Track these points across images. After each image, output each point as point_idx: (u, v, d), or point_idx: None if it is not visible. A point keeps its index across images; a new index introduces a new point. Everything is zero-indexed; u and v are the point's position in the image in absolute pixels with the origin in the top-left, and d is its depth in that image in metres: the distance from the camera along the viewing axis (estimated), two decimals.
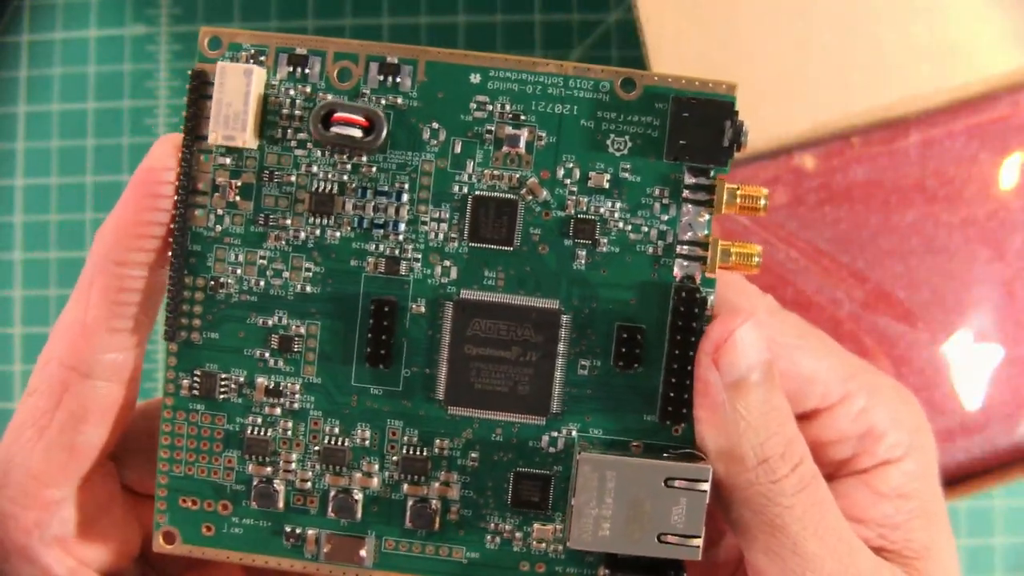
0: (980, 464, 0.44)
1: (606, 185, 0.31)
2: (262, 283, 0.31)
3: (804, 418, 0.32)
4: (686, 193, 0.31)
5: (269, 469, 0.31)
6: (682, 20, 0.43)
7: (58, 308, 0.50)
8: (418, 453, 0.31)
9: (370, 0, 0.51)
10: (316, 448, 0.31)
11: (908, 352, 0.44)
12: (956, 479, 0.44)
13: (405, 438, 0.31)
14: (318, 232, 0.31)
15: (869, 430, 0.33)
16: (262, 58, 0.31)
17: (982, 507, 0.49)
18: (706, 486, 0.29)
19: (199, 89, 0.30)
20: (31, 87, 0.51)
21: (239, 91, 0.30)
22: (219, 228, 0.31)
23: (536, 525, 0.31)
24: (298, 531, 0.31)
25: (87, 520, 0.31)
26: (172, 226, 0.30)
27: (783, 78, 0.43)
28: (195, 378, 0.31)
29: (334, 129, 0.30)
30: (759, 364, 0.29)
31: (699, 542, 0.29)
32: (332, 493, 0.31)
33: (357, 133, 0.30)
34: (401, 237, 0.31)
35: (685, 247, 0.31)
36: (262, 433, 0.31)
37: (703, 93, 0.31)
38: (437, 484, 0.31)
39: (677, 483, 0.29)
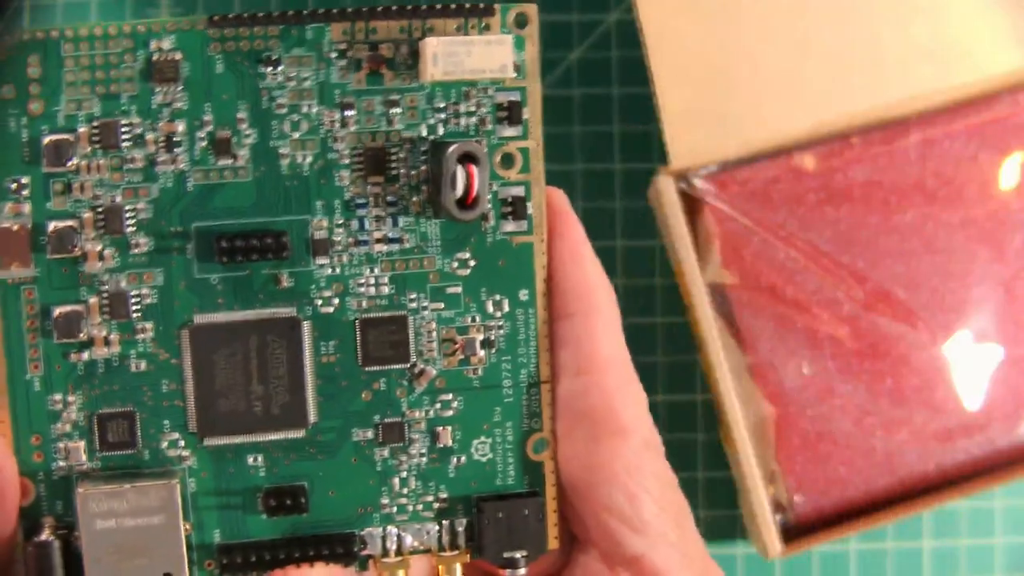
0: (980, 464, 0.44)
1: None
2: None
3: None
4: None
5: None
6: (682, 20, 0.43)
7: None
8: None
9: (370, 1, 0.51)
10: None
11: (908, 352, 0.44)
12: (956, 479, 0.44)
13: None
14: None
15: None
16: None
17: (982, 507, 0.49)
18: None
19: None
20: None
21: None
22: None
23: None
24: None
25: None
26: None
27: (783, 78, 0.43)
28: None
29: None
30: None
31: None
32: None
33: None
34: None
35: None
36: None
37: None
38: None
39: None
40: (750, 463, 0.43)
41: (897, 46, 0.44)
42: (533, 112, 0.29)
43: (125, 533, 0.27)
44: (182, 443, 0.29)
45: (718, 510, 0.47)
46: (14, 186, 0.28)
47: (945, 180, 0.44)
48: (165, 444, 0.29)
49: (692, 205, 0.43)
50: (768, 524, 0.43)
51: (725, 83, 0.43)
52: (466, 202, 0.29)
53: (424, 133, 0.29)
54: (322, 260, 0.29)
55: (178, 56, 0.28)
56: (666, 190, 0.43)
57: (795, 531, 0.44)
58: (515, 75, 0.29)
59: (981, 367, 0.44)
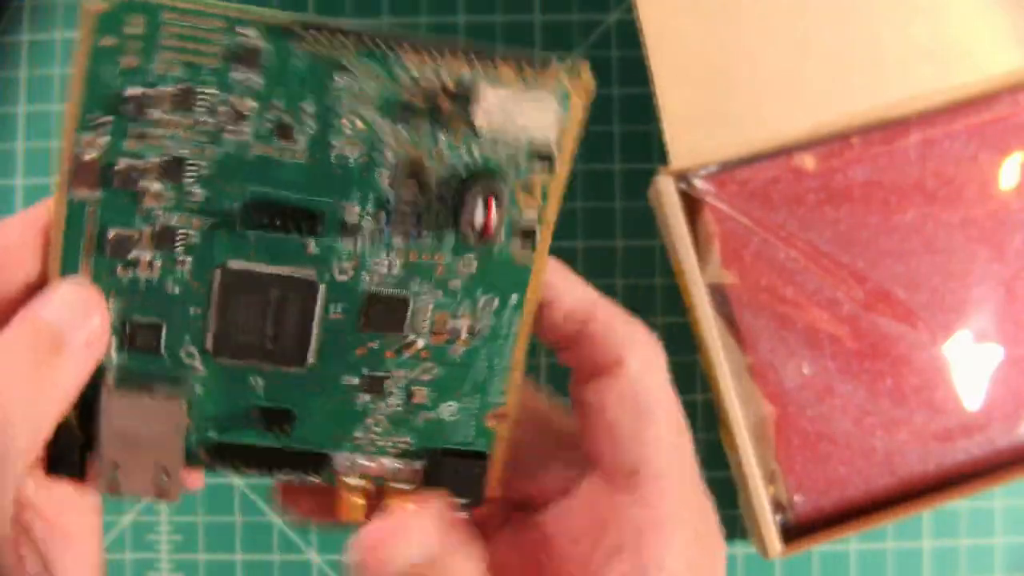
0: (980, 464, 0.44)
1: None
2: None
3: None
4: None
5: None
6: (682, 20, 0.43)
7: None
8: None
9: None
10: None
11: (908, 352, 0.44)
12: (956, 479, 0.44)
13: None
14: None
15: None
16: None
17: (982, 507, 0.49)
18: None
19: None
20: (31, 87, 0.51)
21: None
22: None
23: None
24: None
25: None
26: None
27: (783, 78, 0.43)
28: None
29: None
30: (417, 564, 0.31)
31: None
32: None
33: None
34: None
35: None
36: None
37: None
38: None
39: None
40: (750, 463, 0.43)
41: (897, 46, 0.44)
42: (563, 154, 0.32)
43: (136, 433, 0.32)
44: (198, 357, 0.33)
45: (718, 510, 0.47)
46: (95, 123, 0.31)
47: (945, 180, 0.44)
48: (183, 354, 0.33)
49: (692, 205, 0.43)
50: (768, 524, 0.43)
51: (725, 83, 0.43)
52: (483, 234, 0.32)
53: (462, 154, 0.32)
54: (348, 239, 0.32)
55: (261, 46, 0.31)
56: (666, 190, 0.43)
57: (795, 531, 0.44)
58: (555, 133, 0.32)
59: (981, 367, 0.44)
